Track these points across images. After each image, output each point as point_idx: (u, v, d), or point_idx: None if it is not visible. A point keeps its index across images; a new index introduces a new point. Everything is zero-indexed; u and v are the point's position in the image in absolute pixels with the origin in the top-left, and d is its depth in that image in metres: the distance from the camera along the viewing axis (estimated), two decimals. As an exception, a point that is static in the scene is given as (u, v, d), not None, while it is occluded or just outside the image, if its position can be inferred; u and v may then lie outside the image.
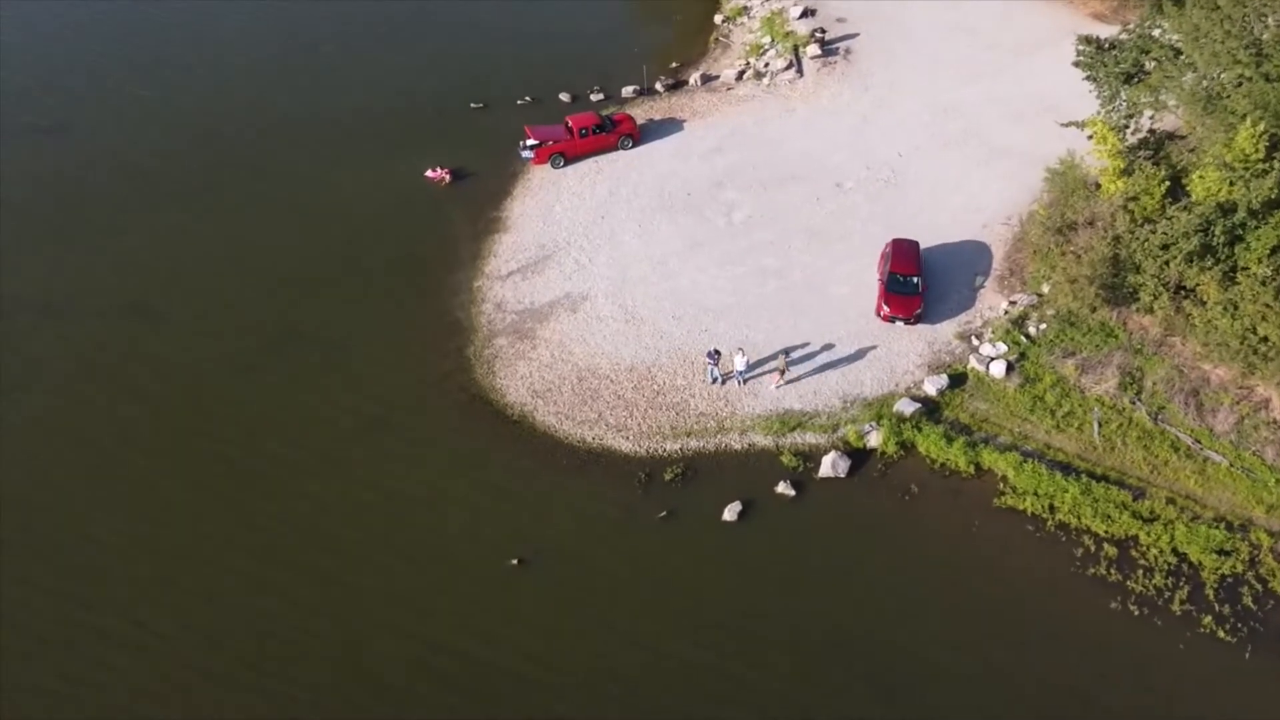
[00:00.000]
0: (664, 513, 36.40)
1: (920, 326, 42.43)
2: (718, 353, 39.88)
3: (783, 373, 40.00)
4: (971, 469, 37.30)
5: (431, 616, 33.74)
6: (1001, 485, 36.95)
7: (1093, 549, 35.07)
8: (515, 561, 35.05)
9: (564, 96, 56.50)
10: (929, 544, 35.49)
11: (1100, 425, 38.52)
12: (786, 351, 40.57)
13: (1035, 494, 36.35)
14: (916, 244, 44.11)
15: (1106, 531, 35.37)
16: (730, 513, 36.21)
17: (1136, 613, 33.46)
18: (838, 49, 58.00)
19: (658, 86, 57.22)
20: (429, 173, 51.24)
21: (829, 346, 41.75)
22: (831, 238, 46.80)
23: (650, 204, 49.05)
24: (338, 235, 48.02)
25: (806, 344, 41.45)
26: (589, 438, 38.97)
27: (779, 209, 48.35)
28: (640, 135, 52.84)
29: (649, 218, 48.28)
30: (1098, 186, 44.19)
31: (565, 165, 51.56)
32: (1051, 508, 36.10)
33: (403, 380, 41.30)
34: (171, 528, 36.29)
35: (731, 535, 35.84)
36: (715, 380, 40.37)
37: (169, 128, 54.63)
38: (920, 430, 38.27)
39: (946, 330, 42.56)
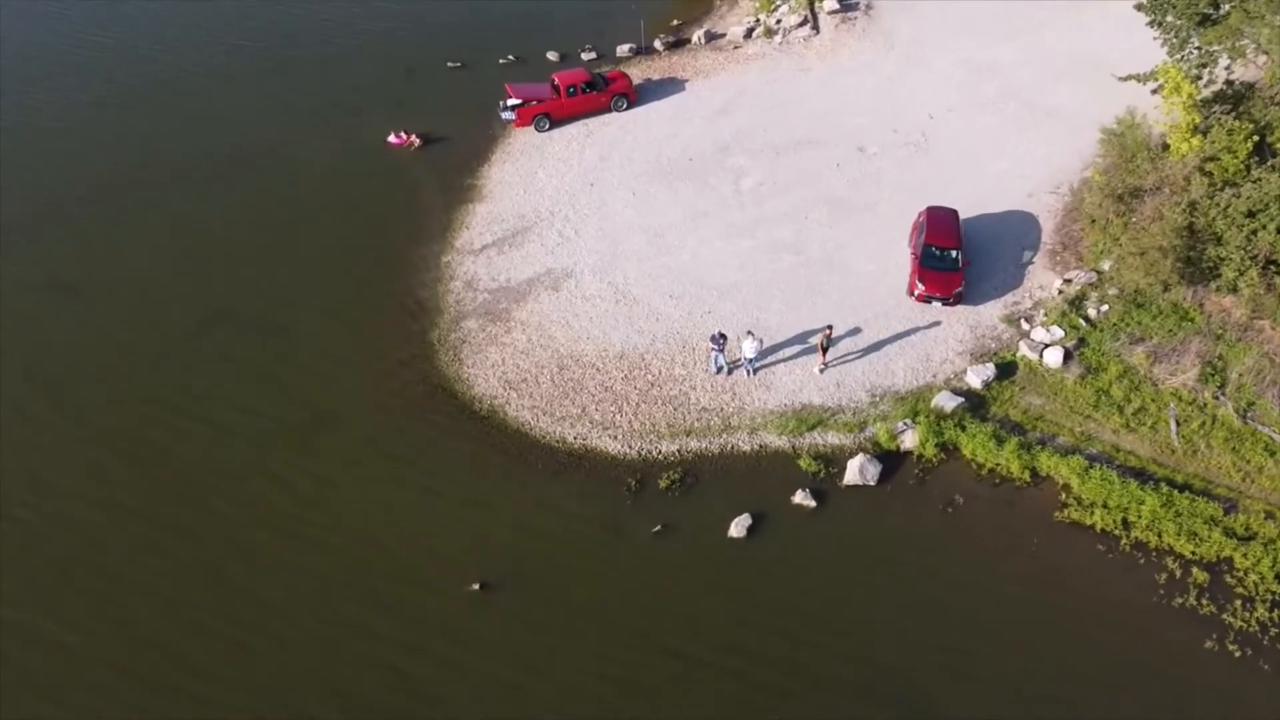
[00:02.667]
0: (658, 527, 30.27)
1: (960, 308, 36.26)
2: (723, 337, 33.72)
3: (825, 349, 33.78)
4: (1026, 475, 31.12)
5: (368, 658, 27.58)
6: (1063, 495, 30.74)
7: (1178, 574, 28.84)
8: (476, 587, 28.88)
9: (551, 55, 50.59)
10: (979, 567, 29.29)
11: (1178, 424, 32.32)
12: (830, 327, 34.30)
13: (1105, 506, 30.14)
14: (955, 212, 37.93)
15: (1194, 553, 29.14)
16: (738, 527, 30.06)
17: (1237, 654, 27.20)
18: (858, 3, 51.97)
19: (657, 45, 51.24)
20: (391, 138, 45.28)
21: (854, 331, 35.58)
22: (854, 208, 40.65)
23: (646, 170, 43.00)
24: (287, 206, 42.22)
25: (828, 328, 35.23)
26: (570, 437, 32.84)
27: (793, 176, 42.25)
28: (636, 96, 46.87)
29: (645, 185, 42.21)
30: (1165, 148, 38.04)
31: (551, 128, 45.57)
32: (1125, 523, 29.90)
33: (352, 369, 35.22)
34: (63, 542, 30.22)
35: (739, 554, 29.69)
36: (720, 369, 34.22)
37: (106, 75, 49.03)
38: (964, 429, 32.09)
39: (991, 312, 36.36)
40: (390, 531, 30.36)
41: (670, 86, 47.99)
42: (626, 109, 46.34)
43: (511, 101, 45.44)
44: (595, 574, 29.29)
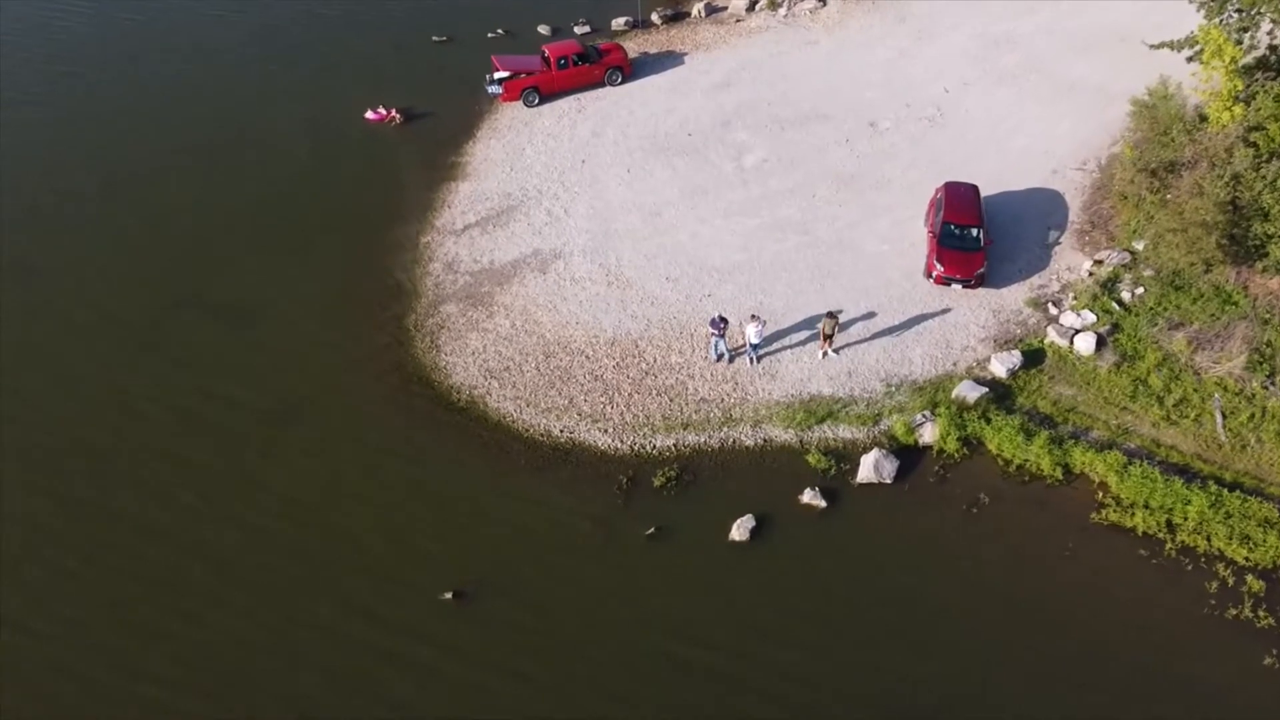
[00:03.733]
0: (652, 529, 27.37)
1: (982, 291, 33.35)
2: (724, 321, 30.81)
3: (829, 337, 30.92)
4: (1059, 473, 28.20)
5: (335, 664, 24.71)
6: (1100, 494, 27.82)
7: (1231, 582, 25.91)
8: (449, 596, 26.00)
9: (543, 29, 47.63)
10: (1008, 573, 26.36)
11: (1225, 416, 29.40)
12: (834, 314, 31.27)
13: (1147, 507, 27.23)
14: (975, 188, 35.00)
15: (1248, 559, 26.22)
16: (740, 530, 27.16)
17: (1300, 672, 24.33)
18: (867, -26, 48.87)
19: (654, 18, 48.34)
20: (369, 114, 42.45)
21: (867, 316, 32.67)
22: (865, 185, 37.74)
23: (642, 146, 40.10)
24: (259, 186, 39.34)
25: (839, 313, 32.29)
26: (556, 430, 29.94)
27: (800, 152, 39.34)
28: (632, 70, 43.91)
29: (640, 162, 39.31)
30: (1202, 119, 35.10)
31: (540, 103, 42.67)
32: (1170, 525, 26.99)
33: (322, 357, 32.35)
34: (11, 537, 27.36)
35: (742, 560, 26.79)
36: (721, 357, 31.34)
37: (72, 52, 46.29)
38: (989, 422, 29.18)
39: (1016, 295, 33.43)
40: (361, 530, 27.50)
41: (668, 60, 45.10)
42: (621, 83, 43.45)
43: (499, 74, 42.56)
44: (582, 579, 26.38)
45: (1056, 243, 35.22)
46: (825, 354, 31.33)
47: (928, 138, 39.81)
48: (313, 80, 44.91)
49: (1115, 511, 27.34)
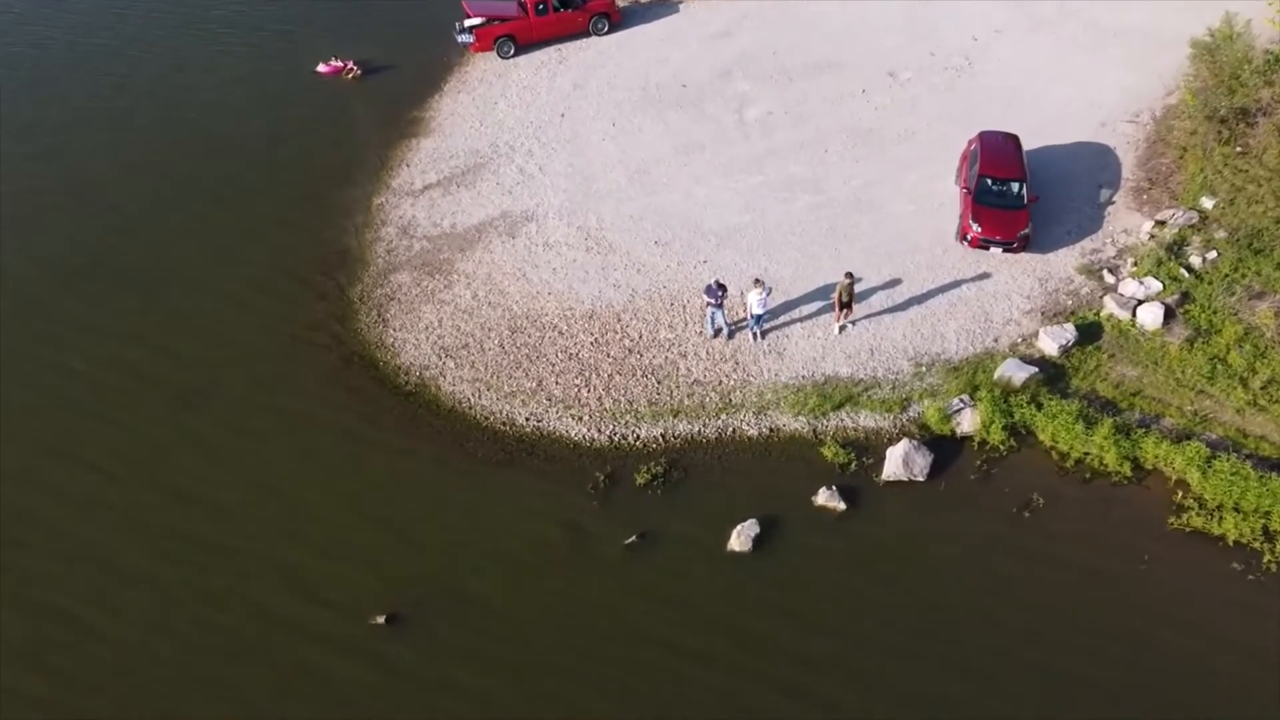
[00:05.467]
0: (633, 537, 22.47)
1: (1025, 255, 28.45)
2: (722, 288, 25.89)
3: (846, 305, 26.06)
4: (1127, 468, 23.28)
5: (250, 695, 19.82)
6: (1179, 495, 22.88)
7: (1348, 603, 21.00)
8: (381, 620, 21.09)
9: (522, -25, 42.65)
10: (1070, 593, 21.42)
11: (1324, 401, 24.49)
12: (852, 277, 26.31)
13: (1238, 510, 22.30)
14: (1015, 138, 30.10)
15: (1368, 573, 21.32)
16: (741, 538, 22.25)
17: None
18: (884, -84, 43.93)
19: (646, -35, 43.37)
20: (322, 67, 37.69)
21: (891, 284, 27.79)
22: (886, 139, 32.84)
23: (630, 98, 35.26)
24: (193, 144, 34.85)
25: (857, 281, 27.43)
26: (521, 417, 25.06)
27: (810, 104, 34.46)
28: (620, 18, 39.14)
29: (628, 115, 34.47)
30: (1276, 60, 30.33)
31: (516, 53, 37.87)
32: (1267, 533, 22.06)
33: (250, 332, 27.51)
34: None
35: (743, 574, 21.89)
36: (719, 331, 26.46)
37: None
38: (1040, 408, 24.26)
39: (1065, 261, 28.53)
40: (284, 534, 22.60)
41: (661, 8, 40.27)
42: (608, 32, 38.65)
43: (470, 22, 37.73)
44: (545, 599, 21.46)
45: (1110, 202, 30.29)
46: (842, 327, 26.47)
47: (956, 88, 34.93)
48: (261, 29, 40.24)
49: (1198, 515, 22.39)
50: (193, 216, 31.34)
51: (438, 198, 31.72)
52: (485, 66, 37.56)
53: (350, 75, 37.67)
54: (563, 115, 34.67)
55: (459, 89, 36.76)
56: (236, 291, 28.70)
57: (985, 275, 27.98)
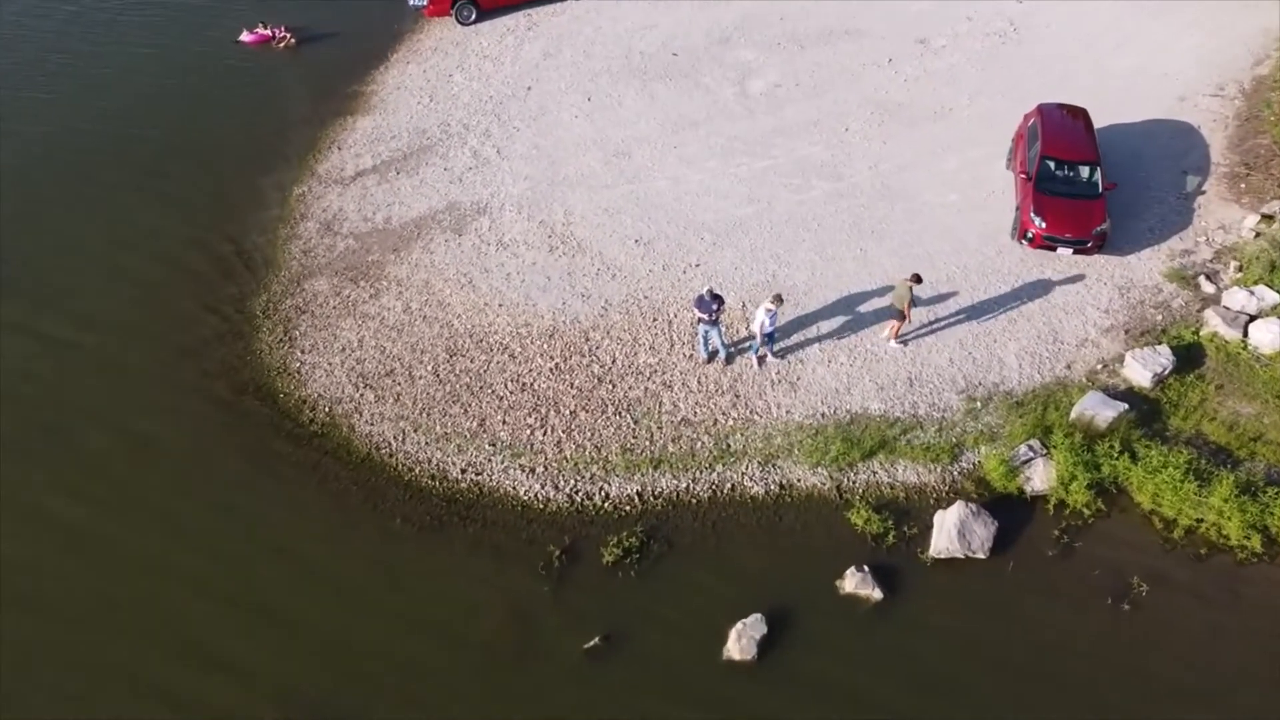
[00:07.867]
0: (596, 639, 16.65)
1: (1101, 257, 22.64)
2: (717, 299, 20.04)
3: (902, 315, 20.24)
4: (1255, 540, 17.50)
5: None
6: (1330, 579, 17.10)
7: None
8: (240, 764, 15.33)
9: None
10: (1188, 714, 15.58)
11: None
12: (918, 280, 20.39)
13: None
14: (1084, 111, 24.32)
15: None
16: (743, 641, 16.42)
17: None
18: None
19: (634, -76, 37.57)
20: (246, 36, 32.01)
21: (934, 295, 21.96)
22: (918, 116, 27.06)
23: (610, 69, 29.51)
24: (82, 123, 28.91)
25: (890, 289, 21.67)
26: (456, 468, 19.24)
27: (826, 76, 28.71)
28: (602, -21, 33.30)
29: (606, 87, 28.72)
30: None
31: (477, 19, 32.17)
32: None
33: (112, 352, 21.72)
34: None
35: (746, 692, 16.06)
36: (714, 355, 20.65)
37: None
38: (1136, 459, 18.45)
39: (1149, 264, 22.72)
40: (135, 623, 16.81)
41: (649, -32, 34.46)
42: (587, -6, 32.93)
43: (423, -18, 32.03)
44: (476, 731, 15.69)
45: (1199, 191, 24.49)
46: (897, 343, 20.65)
47: (1000, 56, 29.15)
48: (184, -5, 34.48)
49: (1360, 609, 16.62)
50: (75, 212, 25.57)
51: (371, 186, 25.95)
52: (441, 34, 31.85)
53: (282, 45, 31.95)
54: (529, 89, 28.92)
55: (408, 59, 31.03)
56: (111, 304, 22.92)
57: (1051, 283, 22.17)
